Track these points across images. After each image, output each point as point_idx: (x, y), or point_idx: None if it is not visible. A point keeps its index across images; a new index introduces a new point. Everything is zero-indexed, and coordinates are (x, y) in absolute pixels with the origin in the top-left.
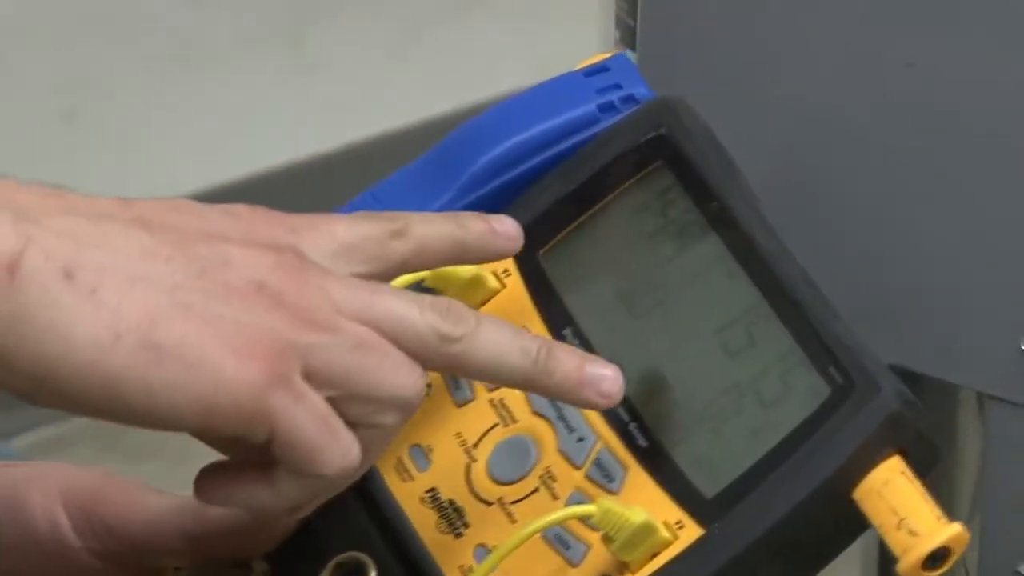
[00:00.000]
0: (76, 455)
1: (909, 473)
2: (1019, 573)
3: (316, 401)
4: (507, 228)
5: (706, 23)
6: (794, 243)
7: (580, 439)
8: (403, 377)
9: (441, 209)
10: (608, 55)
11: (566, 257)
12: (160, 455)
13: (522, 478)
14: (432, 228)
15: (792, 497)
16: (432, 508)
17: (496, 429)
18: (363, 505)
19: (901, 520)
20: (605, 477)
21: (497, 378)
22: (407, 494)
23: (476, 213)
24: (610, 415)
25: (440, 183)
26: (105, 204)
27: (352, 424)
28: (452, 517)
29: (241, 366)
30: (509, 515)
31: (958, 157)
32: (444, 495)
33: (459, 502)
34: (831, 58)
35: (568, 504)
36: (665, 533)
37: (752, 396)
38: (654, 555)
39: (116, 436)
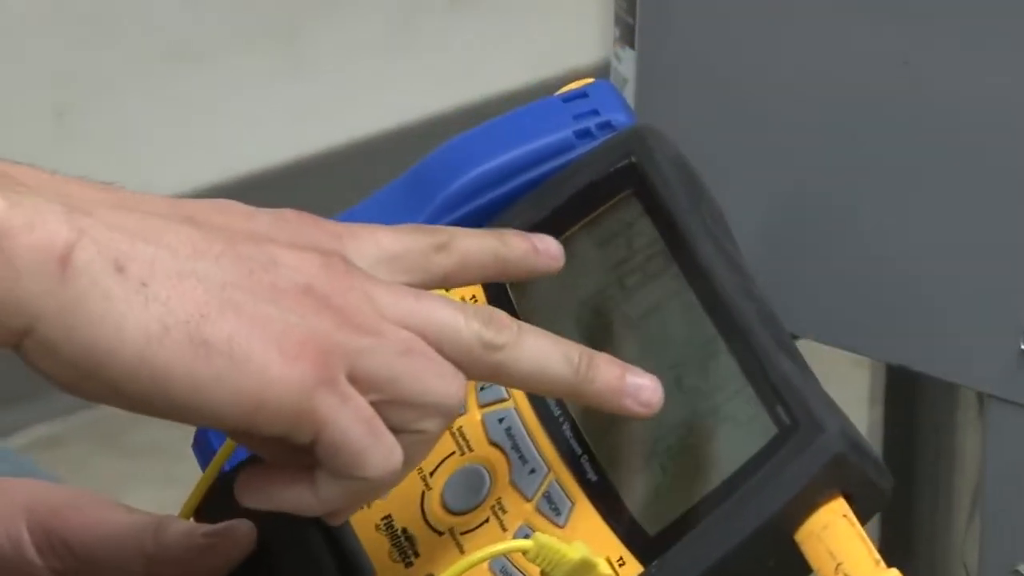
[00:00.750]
0: (73, 454)
1: (851, 516)
2: (1019, 572)
3: (361, 404)
4: (548, 247)
5: (705, 21)
6: (792, 243)
7: (532, 471)
8: (447, 384)
9: None
10: (590, 81)
11: (532, 283)
12: (158, 454)
13: (474, 508)
14: (475, 243)
15: (732, 537)
16: (386, 535)
17: (452, 457)
18: (320, 529)
19: (838, 565)
20: (553, 510)
21: (539, 386)
22: (363, 520)
23: (518, 231)
24: (563, 447)
25: (414, 206)
26: (155, 201)
27: (394, 429)
28: (404, 546)
29: (288, 366)
30: (459, 546)
31: (956, 155)
32: (398, 523)
33: (412, 530)
34: (828, 55)
35: (516, 537)
36: (606, 570)
37: (700, 433)
38: None
39: (114, 435)
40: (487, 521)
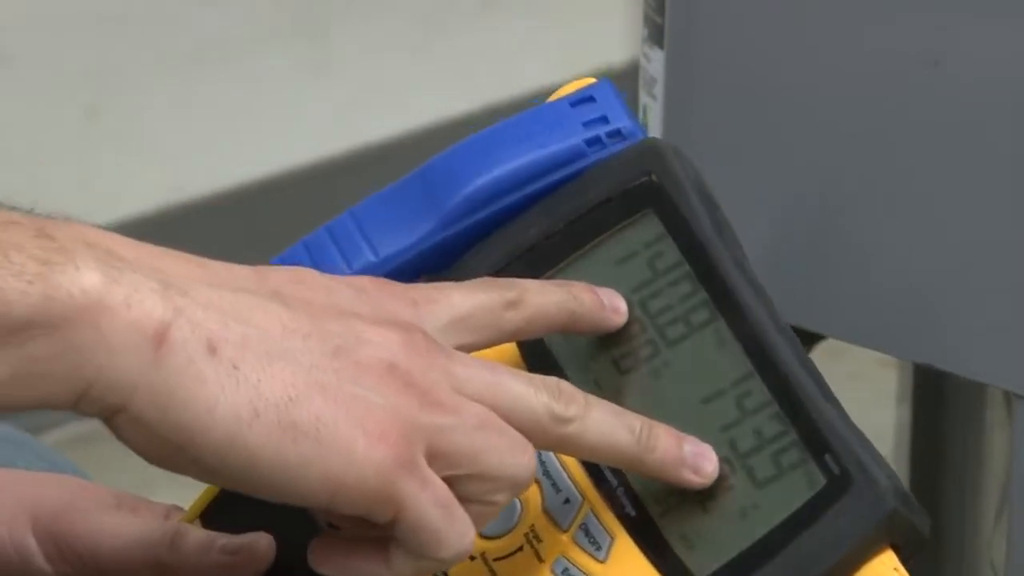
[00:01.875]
0: (102, 453)
1: (901, 570)
2: None
3: (439, 487)
4: (615, 302)
5: (733, 21)
6: (821, 241)
7: (567, 500)
8: (520, 457)
9: (423, 239)
10: (592, 82)
11: None
12: None
13: (505, 534)
14: (546, 299)
15: None
16: None
17: None
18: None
19: None
20: (592, 544)
21: (604, 457)
22: None
23: (585, 285)
24: (598, 479)
25: (421, 212)
26: (242, 274)
27: (466, 500)
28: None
29: (371, 448)
30: (492, 572)
31: (984, 155)
32: None
33: None
34: (857, 56)
35: (554, 569)
36: None
37: (743, 474)
38: None
39: None
40: (521, 549)
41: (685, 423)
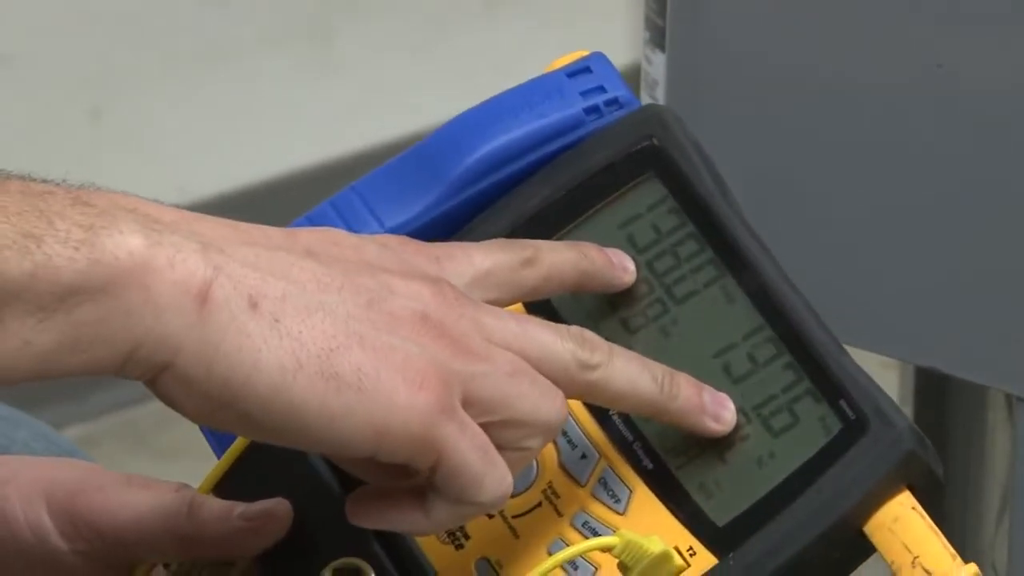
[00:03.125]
0: (106, 453)
1: (919, 508)
2: None
3: (477, 431)
4: (623, 261)
5: (735, 24)
6: (822, 244)
7: (583, 456)
8: (551, 402)
9: (427, 209)
10: (585, 53)
11: None
12: (185, 454)
13: (523, 492)
14: (559, 257)
15: (808, 532)
16: None
17: None
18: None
19: (915, 558)
20: (611, 497)
21: (628, 403)
22: None
23: (595, 245)
24: (613, 434)
25: (424, 183)
26: (275, 235)
27: (500, 447)
28: (453, 529)
29: (412, 395)
30: (512, 529)
31: (988, 157)
32: None
33: None
34: (860, 59)
35: (574, 523)
36: (679, 561)
37: (758, 423)
38: None
39: (144, 436)
40: (539, 505)
41: (698, 377)
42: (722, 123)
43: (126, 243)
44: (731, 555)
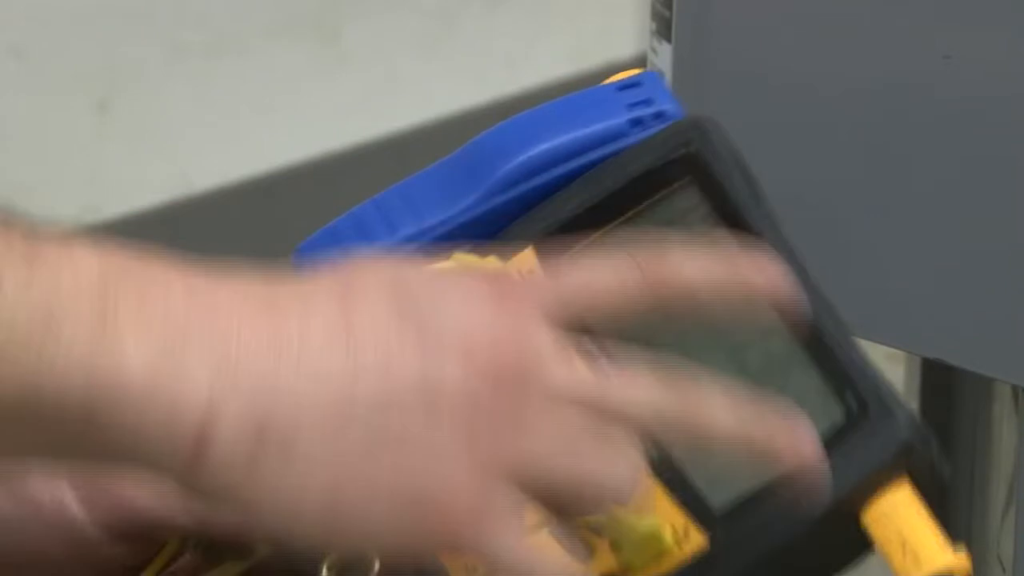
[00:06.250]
0: None
1: (916, 499)
2: None
3: (522, 523)
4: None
5: (741, 15)
6: (828, 237)
7: None
8: (621, 467)
9: (465, 209)
10: (639, 71)
11: None
12: None
13: None
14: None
15: (801, 518)
16: None
17: None
18: None
19: (905, 543)
20: None
21: (721, 443)
22: None
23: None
24: None
25: (466, 185)
26: (318, 306)
27: (568, 514)
28: None
29: (446, 508)
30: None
31: (994, 149)
32: None
33: None
34: (867, 51)
35: None
36: (670, 540)
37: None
38: (657, 560)
39: None
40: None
41: (714, 369)
42: (728, 114)
43: (128, 367)
44: (719, 537)
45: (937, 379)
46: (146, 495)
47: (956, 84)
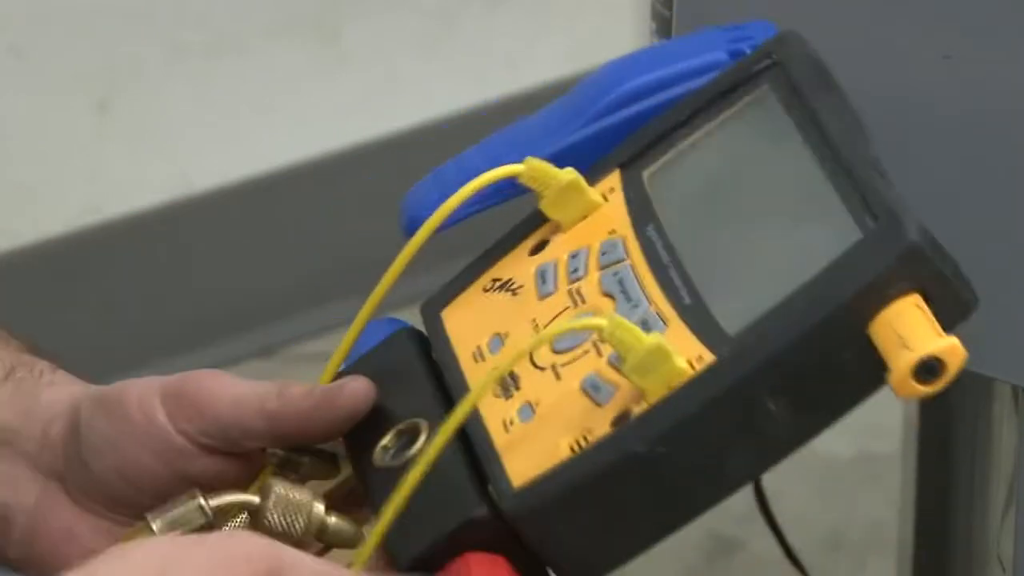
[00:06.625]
0: None
1: (925, 308)
2: None
3: None
4: None
5: (741, 15)
6: None
7: (635, 306)
8: None
9: (564, 141)
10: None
11: (666, 173)
12: None
13: (578, 346)
14: None
15: (801, 324)
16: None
17: (567, 311)
18: (432, 382)
19: (902, 340)
20: (645, 327)
21: None
22: (476, 372)
23: None
24: (665, 283)
25: (568, 121)
26: None
27: None
28: (508, 384)
29: None
30: (557, 375)
31: (993, 148)
32: (506, 368)
33: (517, 372)
34: (867, 50)
35: (610, 359)
36: (681, 363)
37: (788, 242)
38: (670, 380)
39: None
40: (587, 353)
41: (753, 223)
42: None
43: None
44: (725, 350)
45: None
46: (224, 400)
47: (956, 84)
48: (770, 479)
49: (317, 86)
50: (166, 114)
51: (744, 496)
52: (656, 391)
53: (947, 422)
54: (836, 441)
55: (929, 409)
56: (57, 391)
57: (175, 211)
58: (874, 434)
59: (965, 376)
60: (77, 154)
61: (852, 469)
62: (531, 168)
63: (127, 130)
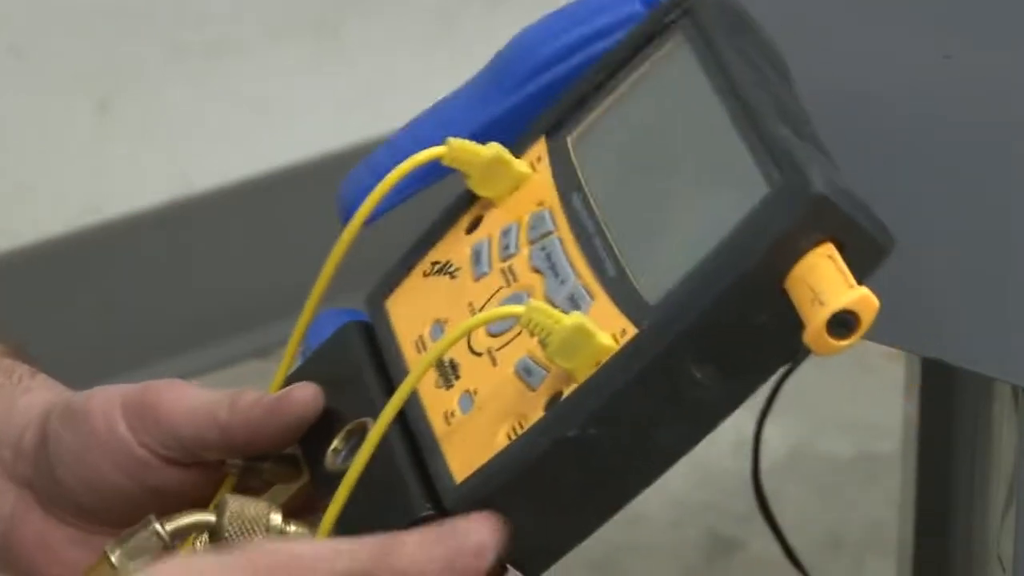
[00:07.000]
0: None
1: (837, 258)
2: None
3: None
4: None
5: None
6: None
7: (563, 282)
8: None
9: (488, 115)
10: None
11: (588, 137)
12: None
13: (511, 328)
14: None
15: (715, 288)
16: (435, 369)
17: (500, 291)
18: (379, 378)
19: (814, 295)
20: (574, 307)
21: None
22: (418, 363)
23: None
24: (591, 254)
25: (494, 87)
26: None
27: None
28: (448, 373)
29: None
30: (493, 360)
31: (994, 148)
32: (446, 356)
33: (457, 359)
34: (867, 50)
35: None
36: (606, 340)
37: (702, 205)
38: (596, 358)
39: None
40: (519, 335)
41: (669, 185)
42: None
43: None
44: (646, 322)
45: (937, 379)
46: (180, 412)
47: (956, 84)
48: (770, 479)
49: (317, 86)
50: (166, 114)
51: (744, 496)
52: (584, 370)
53: (947, 422)
54: (836, 441)
55: (929, 409)
56: (33, 397)
57: (175, 211)
58: (874, 434)
59: (965, 376)
60: (77, 154)
61: (852, 469)
62: (452, 149)
63: (127, 130)
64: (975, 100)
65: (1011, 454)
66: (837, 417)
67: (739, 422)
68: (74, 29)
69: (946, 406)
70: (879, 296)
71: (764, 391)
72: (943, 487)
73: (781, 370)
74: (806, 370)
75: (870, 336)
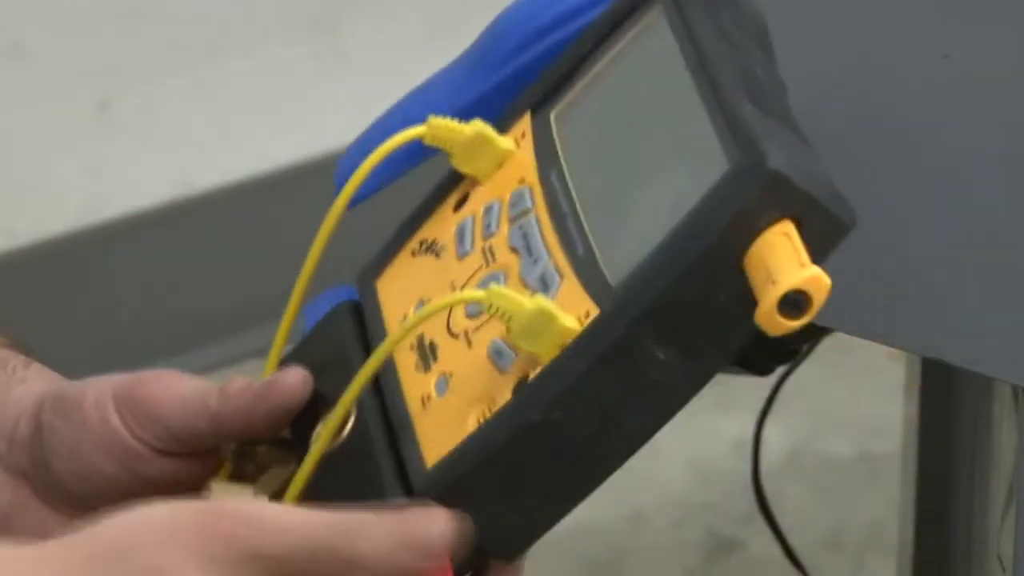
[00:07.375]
0: None
1: (793, 235)
2: None
3: None
4: None
5: None
6: None
7: (536, 261)
8: None
9: (472, 94)
10: None
11: (570, 113)
12: None
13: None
14: None
15: (673, 268)
16: (415, 351)
17: (479, 271)
18: (367, 358)
19: (768, 274)
20: (543, 287)
21: None
22: (400, 347)
23: None
24: (564, 234)
25: (480, 64)
26: None
27: None
28: (427, 355)
29: None
30: (469, 342)
31: (993, 148)
32: (426, 337)
33: (436, 341)
34: (867, 49)
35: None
36: (570, 323)
37: (665, 184)
38: (561, 340)
39: None
40: (493, 316)
41: (640, 164)
42: None
43: None
44: (606, 305)
45: (937, 379)
46: (170, 402)
47: (956, 84)
48: (770, 479)
49: (317, 86)
50: (166, 114)
51: (744, 496)
52: (549, 353)
53: (947, 422)
54: (836, 441)
55: (929, 409)
56: (27, 388)
57: (175, 211)
58: (874, 434)
59: (965, 376)
60: (77, 154)
61: (852, 469)
62: (433, 128)
63: (127, 130)
64: (975, 100)
65: (1011, 454)
66: (837, 417)
67: (739, 422)
68: (74, 29)
69: (946, 406)
70: (879, 296)
71: (764, 391)
72: (943, 487)
73: (781, 370)
74: (806, 370)
75: (871, 336)
